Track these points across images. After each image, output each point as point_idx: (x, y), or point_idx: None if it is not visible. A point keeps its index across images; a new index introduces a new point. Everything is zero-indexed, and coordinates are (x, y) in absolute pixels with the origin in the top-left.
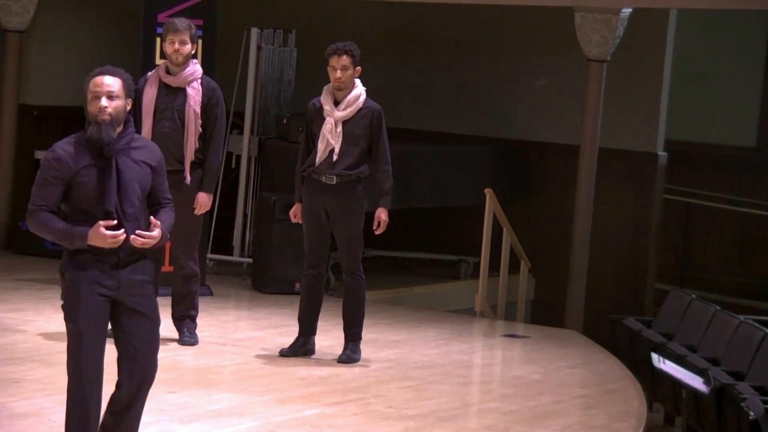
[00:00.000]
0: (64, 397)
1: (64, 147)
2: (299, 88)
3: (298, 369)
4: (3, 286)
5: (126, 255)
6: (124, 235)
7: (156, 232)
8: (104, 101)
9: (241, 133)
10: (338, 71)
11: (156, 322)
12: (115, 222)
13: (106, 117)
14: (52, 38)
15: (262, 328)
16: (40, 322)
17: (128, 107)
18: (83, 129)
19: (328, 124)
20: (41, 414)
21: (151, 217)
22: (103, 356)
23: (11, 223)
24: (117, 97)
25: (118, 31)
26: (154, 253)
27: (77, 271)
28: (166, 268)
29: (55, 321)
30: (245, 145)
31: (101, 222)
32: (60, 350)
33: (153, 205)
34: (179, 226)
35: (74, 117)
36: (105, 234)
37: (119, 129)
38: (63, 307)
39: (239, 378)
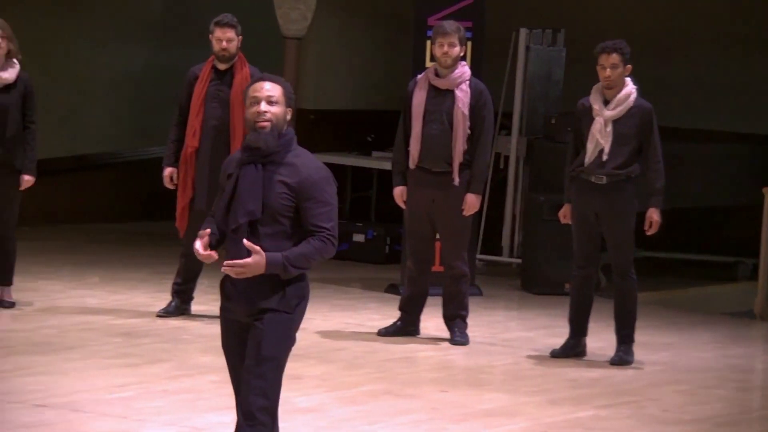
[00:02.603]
0: (342, 393)
1: (236, 154)
2: (568, 87)
3: (569, 370)
4: None
5: (249, 277)
6: (211, 254)
7: (250, 259)
8: (263, 106)
9: (509, 133)
10: (607, 70)
11: (266, 358)
12: (208, 234)
13: (266, 123)
14: (328, 44)
15: (532, 329)
16: (318, 321)
17: (288, 116)
18: (354, 133)
19: (598, 123)
20: (321, 409)
21: (245, 241)
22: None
23: None
24: (276, 103)
25: (390, 36)
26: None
27: (220, 292)
28: (437, 268)
29: (332, 319)
30: (513, 145)
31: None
32: (337, 348)
33: (303, 232)
34: (448, 227)
35: (346, 121)
36: (195, 248)
37: None
38: None
39: (510, 378)
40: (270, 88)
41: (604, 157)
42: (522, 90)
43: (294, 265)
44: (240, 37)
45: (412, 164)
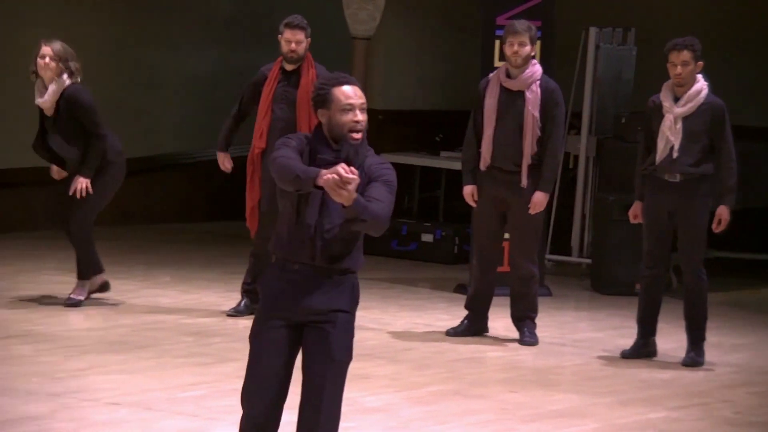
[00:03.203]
0: (412, 393)
1: (300, 135)
2: (638, 86)
3: (640, 371)
4: None
5: (312, 275)
6: (356, 178)
7: (354, 185)
8: (359, 115)
9: (579, 133)
10: (678, 67)
11: (338, 362)
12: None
13: (360, 134)
14: (396, 44)
15: (602, 329)
16: (387, 320)
17: None
18: (422, 133)
19: (668, 120)
20: (390, 409)
21: (347, 168)
22: (270, 388)
23: None
24: (365, 110)
25: (458, 36)
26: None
27: (264, 288)
28: (504, 268)
29: (401, 319)
30: (583, 145)
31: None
32: (406, 348)
33: None
34: (518, 228)
35: (414, 121)
36: (338, 171)
37: None
38: None
39: (580, 379)
40: (362, 95)
41: (675, 155)
42: (592, 89)
43: (365, 209)
44: (309, 39)
45: (483, 166)
